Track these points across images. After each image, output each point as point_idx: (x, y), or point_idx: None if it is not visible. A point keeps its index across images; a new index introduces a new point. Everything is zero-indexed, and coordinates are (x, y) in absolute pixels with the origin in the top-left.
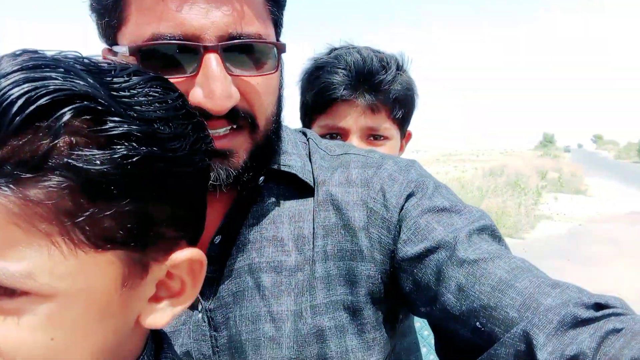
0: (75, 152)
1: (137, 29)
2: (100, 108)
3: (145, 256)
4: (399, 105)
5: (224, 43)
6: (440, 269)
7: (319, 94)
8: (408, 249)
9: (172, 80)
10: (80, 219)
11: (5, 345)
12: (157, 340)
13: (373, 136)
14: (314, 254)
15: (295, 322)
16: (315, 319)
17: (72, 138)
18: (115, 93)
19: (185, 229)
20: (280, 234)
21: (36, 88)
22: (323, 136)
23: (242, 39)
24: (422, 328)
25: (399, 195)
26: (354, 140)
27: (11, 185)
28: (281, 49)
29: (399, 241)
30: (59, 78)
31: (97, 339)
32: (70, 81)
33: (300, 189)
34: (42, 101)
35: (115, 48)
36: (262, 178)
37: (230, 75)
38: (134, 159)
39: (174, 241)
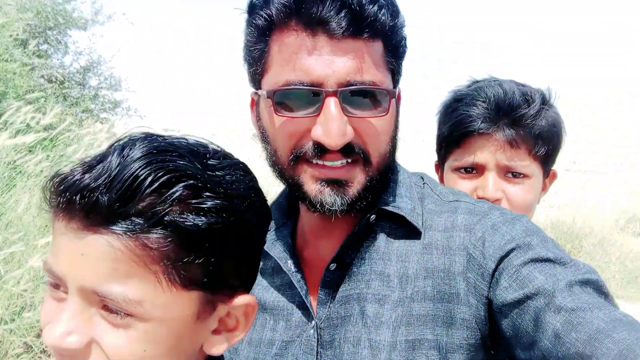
0: (181, 216)
1: (275, 77)
2: (200, 185)
3: (215, 298)
4: (542, 141)
5: (342, 89)
6: (538, 316)
7: (455, 127)
8: (508, 295)
9: (298, 118)
10: (178, 264)
11: (112, 350)
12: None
13: (512, 173)
14: (414, 293)
15: (389, 352)
16: (408, 352)
17: (179, 206)
18: (210, 172)
19: (244, 279)
20: (387, 271)
21: (160, 168)
22: (457, 170)
23: (358, 85)
24: None
25: (498, 246)
26: (490, 177)
27: (137, 234)
28: (392, 94)
29: (498, 288)
30: (175, 160)
31: (173, 356)
32: (182, 164)
33: (408, 230)
34: (163, 179)
35: (259, 92)
36: (374, 216)
37: (347, 115)
38: (219, 225)
39: (236, 288)
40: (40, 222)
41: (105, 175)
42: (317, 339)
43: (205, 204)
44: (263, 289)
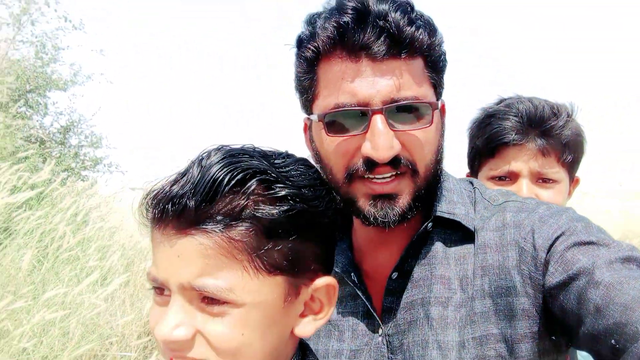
0: (258, 208)
1: (324, 101)
2: (271, 179)
3: (298, 281)
4: (569, 149)
5: (387, 106)
6: (580, 294)
7: (490, 139)
8: (554, 279)
9: (348, 138)
10: (261, 252)
11: (214, 336)
12: (303, 348)
13: (542, 179)
14: (473, 292)
15: (459, 351)
16: (477, 349)
17: (256, 198)
18: (278, 168)
19: (323, 263)
20: (447, 274)
21: (235, 168)
22: (492, 179)
23: (401, 101)
24: None
25: (547, 236)
26: (524, 183)
27: (221, 229)
28: (434, 107)
29: (547, 274)
30: (247, 160)
31: (268, 338)
32: (254, 162)
33: (464, 234)
34: (239, 177)
35: (311, 117)
36: (430, 224)
37: (393, 130)
38: (292, 212)
39: (315, 271)
40: (39, 277)
41: (190, 183)
42: (387, 345)
43: (278, 194)
44: None
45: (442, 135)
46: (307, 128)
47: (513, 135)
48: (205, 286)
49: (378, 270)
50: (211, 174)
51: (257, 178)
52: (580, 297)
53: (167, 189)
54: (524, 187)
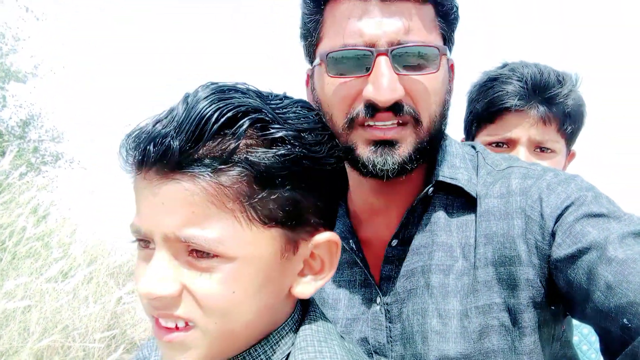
0: (251, 151)
1: (329, 43)
2: (266, 118)
3: (296, 235)
4: (570, 120)
5: (392, 48)
6: (590, 269)
7: (491, 103)
8: (562, 251)
9: (351, 78)
10: (254, 200)
11: (201, 293)
12: (305, 304)
13: (540, 148)
14: (476, 260)
15: (461, 320)
16: (480, 318)
17: (248, 140)
18: (274, 109)
19: (324, 217)
20: (449, 241)
21: (226, 105)
22: (488, 145)
23: (408, 44)
24: (580, 342)
25: (555, 205)
26: (521, 151)
27: (210, 173)
28: (443, 52)
29: (554, 245)
30: (239, 97)
31: (262, 298)
32: (247, 100)
33: (466, 200)
34: (229, 114)
35: (313, 63)
36: (431, 189)
37: (398, 74)
38: (290, 157)
39: (316, 226)
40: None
41: (175, 121)
42: (385, 314)
43: (274, 135)
44: None
45: (449, 92)
46: (309, 79)
47: (515, 100)
48: (191, 237)
49: (376, 238)
50: (197, 111)
51: (250, 117)
52: (590, 272)
53: (149, 128)
54: (522, 155)
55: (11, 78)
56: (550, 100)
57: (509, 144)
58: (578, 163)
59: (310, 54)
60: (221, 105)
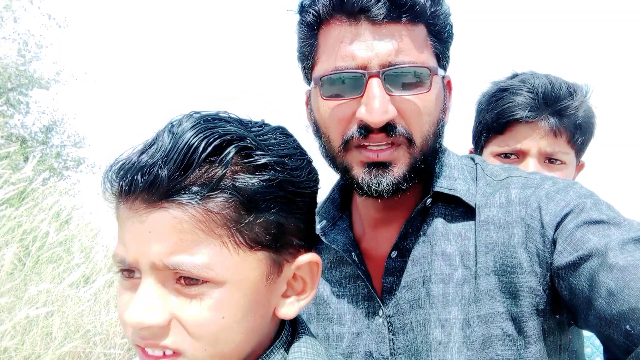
0: (237, 177)
1: (323, 66)
2: (250, 146)
3: (280, 257)
4: (580, 131)
5: (384, 69)
6: (592, 276)
7: (501, 114)
8: (563, 259)
9: (344, 103)
10: (241, 225)
11: (191, 321)
12: (294, 324)
13: (550, 160)
14: (477, 269)
15: (463, 329)
16: (483, 327)
17: (234, 167)
18: (257, 136)
19: (305, 238)
20: (448, 250)
21: (212, 134)
22: (498, 156)
23: (399, 65)
24: (592, 354)
25: (554, 213)
26: (531, 163)
27: (198, 201)
28: (434, 72)
29: (555, 252)
30: (223, 126)
31: (249, 320)
32: (231, 128)
33: (465, 210)
34: (216, 142)
35: (310, 86)
36: (430, 200)
37: (390, 95)
38: (274, 181)
39: (298, 247)
40: (21, 276)
41: (161, 151)
42: (388, 326)
43: (258, 162)
44: (322, 284)
45: (443, 110)
46: (308, 100)
47: (526, 112)
48: (180, 264)
49: (377, 250)
50: (185, 141)
51: (235, 145)
52: (591, 279)
53: (135, 158)
54: (531, 167)
55: (35, 85)
56: (561, 112)
57: (519, 155)
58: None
59: (307, 76)
60: (207, 134)
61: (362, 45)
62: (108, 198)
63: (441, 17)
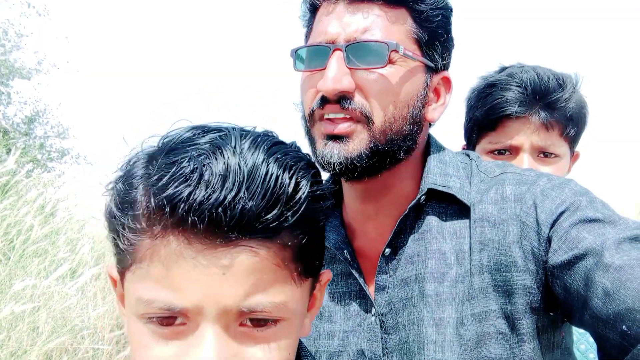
0: (309, 208)
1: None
2: (314, 175)
3: (315, 282)
4: (572, 123)
5: (347, 44)
6: (587, 275)
7: (491, 111)
8: (558, 257)
9: (311, 74)
10: (304, 257)
11: None
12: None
13: (544, 154)
14: (471, 267)
15: (457, 328)
16: (476, 325)
17: (307, 201)
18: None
19: (323, 260)
20: (443, 248)
21: (288, 163)
22: (491, 152)
23: (361, 40)
24: (587, 350)
25: (550, 211)
26: (525, 158)
27: (276, 237)
28: (394, 49)
29: (550, 251)
30: (290, 154)
31: (294, 350)
32: (300, 155)
33: (459, 208)
34: (299, 175)
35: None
36: (424, 197)
37: (350, 68)
38: (327, 209)
39: (321, 269)
40: (6, 271)
41: (238, 182)
42: (380, 325)
43: (323, 190)
44: None
45: (419, 98)
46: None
47: (516, 107)
48: (258, 305)
49: (370, 247)
50: (266, 171)
51: (306, 175)
52: (587, 278)
53: (191, 189)
54: (525, 162)
55: (15, 75)
56: (552, 105)
57: (512, 151)
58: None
59: None
60: (284, 163)
61: (335, 22)
62: (136, 228)
63: (428, 4)
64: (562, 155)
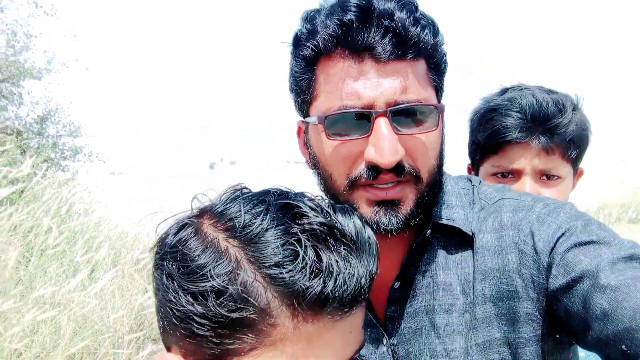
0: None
1: (325, 103)
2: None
3: None
4: (574, 145)
5: (391, 108)
6: (585, 298)
7: (492, 136)
8: (557, 282)
9: (350, 142)
10: None
11: None
12: None
13: (546, 176)
14: (474, 297)
15: (464, 358)
16: (481, 355)
17: None
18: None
19: None
20: (449, 280)
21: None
22: (494, 175)
23: (406, 104)
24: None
25: (547, 238)
26: (527, 181)
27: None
28: (440, 109)
29: (550, 277)
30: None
31: None
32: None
33: (462, 238)
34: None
35: (307, 119)
36: (429, 231)
37: (397, 134)
38: None
39: None
40: (26, 275)
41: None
42: (392, 355)
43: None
44: None
45: (443, 140)
46: (302, 131)
47: (516, 133)
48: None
49: (380, 280)
50: (370, 267)
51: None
52: (585, 301)
53: (350, 269)
54: (527, 186)
55: (26, 75)
56: (552, 131)
57: (514, 174)
58: None
59: (304, 109)
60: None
61: (367, 83)
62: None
63: (439, 49)
64: (564, 176)
